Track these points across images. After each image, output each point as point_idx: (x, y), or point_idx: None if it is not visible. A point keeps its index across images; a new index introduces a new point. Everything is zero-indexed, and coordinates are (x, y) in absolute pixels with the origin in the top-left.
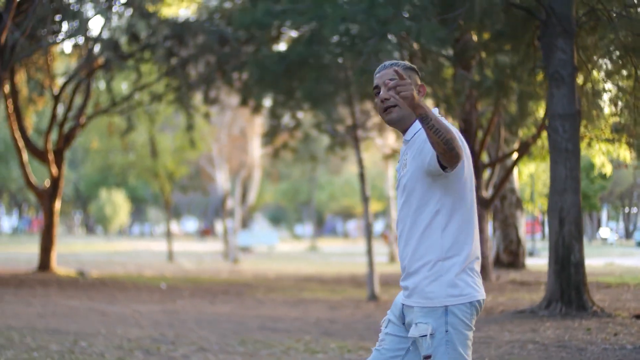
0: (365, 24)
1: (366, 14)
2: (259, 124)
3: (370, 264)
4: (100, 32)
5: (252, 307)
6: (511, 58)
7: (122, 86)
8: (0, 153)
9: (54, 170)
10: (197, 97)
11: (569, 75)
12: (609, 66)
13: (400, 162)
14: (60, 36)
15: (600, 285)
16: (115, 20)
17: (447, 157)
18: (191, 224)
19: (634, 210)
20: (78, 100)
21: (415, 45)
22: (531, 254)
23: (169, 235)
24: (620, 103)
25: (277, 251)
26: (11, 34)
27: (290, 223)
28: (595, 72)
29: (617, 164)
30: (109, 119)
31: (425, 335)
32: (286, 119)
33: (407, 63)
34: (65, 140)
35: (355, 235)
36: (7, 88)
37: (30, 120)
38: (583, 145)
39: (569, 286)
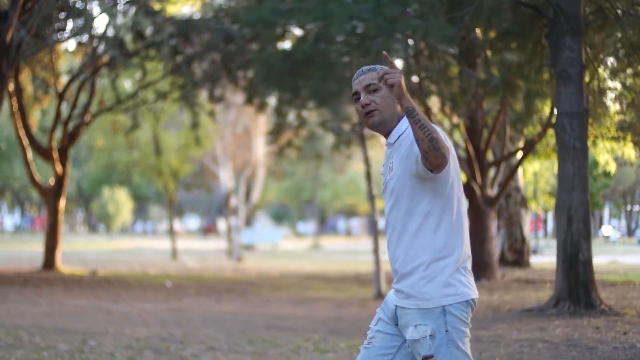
0: (373, 22)
1: (373, 13)
2: (263, 122)
3: (377, 262)
4: (105, 30)
5: (258, 306)
6: (518, 56)
7: (127, 84)
8: (3, 151)
9: (59, 168)
10: (202, 95)
11: (577, 74)
12: (615, 64)
13: (385, 166)
14: (65, 34)
15: (605, 283)
16: (120, 18)
17: (432, 157)
18: (193, 222)
19: (636, 208)
20: (83, 98)
21: (422, 44)
22: (535, 252)
23: (172, 233)
24: (625, 101)
25: (280, 249)
26: (17, 32)
27: (293, 221)
28: (600, 70)
29: (622, 162)
30: (113, 117)
31: (425, 337)
32: (291, 117)
33: (385, 68)
34: (70, 138)
35: (358, 232)
36: (11, 86)
37: (35, 119)
38: (588, 143)
39: (577, 284)
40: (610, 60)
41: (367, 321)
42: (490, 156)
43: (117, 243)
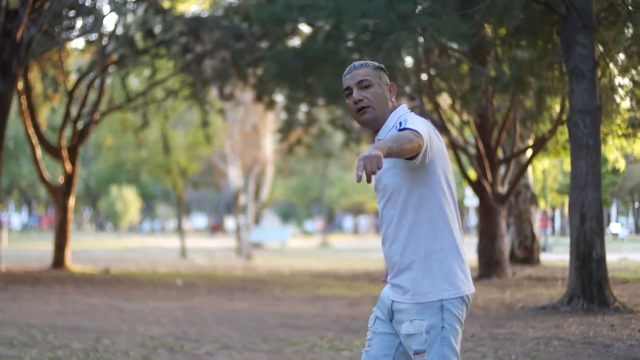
0: (385, 19)
1: (385, 9)
2: (272, 120)
3: None
4: (115, 28)
5: (270, 304)
6: (529, 53)
7: (135, 83)
8: (11, 150)
9: (68, 166)
10: (212, 93)
11: (590, 71)
12: (626, 61)
13: None
14: (75, 32)
15: (616, 280)
16: (129, 17)
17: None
18: (200, 221)
19: None
20: (92, 96)
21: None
22: (544, 249)
23: (181, 231)
24: (635, 98)
25: (288, 247)
26: (27, 30)
27: (300, 219)
28: (611, 67)
29: (633, 159)
30: (122, 116)
31: (421, 332)
32: (301, 115)
33: (375, 63)
34: (79, 136)
35: (364, 230)
36: (20, 84)
37: (44, 117)
38: None
39: (590, 282)
40: (621, 57)
41: None
42: (500, 153)
43: (125, 241)
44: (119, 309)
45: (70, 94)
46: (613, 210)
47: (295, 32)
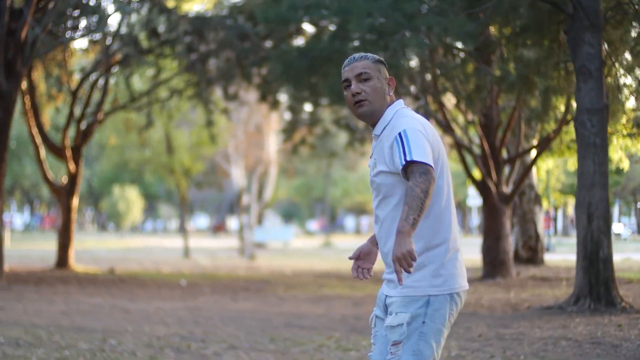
0: (391, 18)
1: (392, 8)
2: (276, 120)
3: None
4: (118, 28)
5: (275, 304)
6: (536, 52)
7: (139, 83)
8: (13, 150)
9: (72, 166)
10: (216, 93)
11: (597, 70)
12: (631, 60)
13: (371, 158)
14: (80, 32)
15: (621, 281)
16: (134, 16)
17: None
18: (202, 221)
19: None
20: (96, 96)
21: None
22: (547, 249)
23: (184, 231)
24: None
25: (291, 247)
26: (31, 29)
27: (303, 219)
28: (616, 67)
29: (637, 159)
30: (125, 116)
31: (403, 324)
32: (305, 115)
33: (375, 56)
34: (83, 136)
35: (366, 230)
36: (24, 84)
37: (47, 117)
38: None
39: (597, 282)
40: (627, 56)
41: None
42: (504, 153)
43: (128, 241)
44: (123, 309)
45: (74, 94)
46: (615, 211)
47: (299, 31)
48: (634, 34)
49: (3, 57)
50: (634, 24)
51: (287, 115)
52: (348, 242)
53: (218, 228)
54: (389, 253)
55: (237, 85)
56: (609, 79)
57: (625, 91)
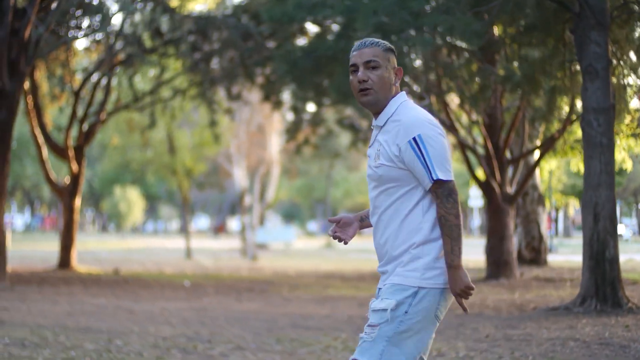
0: (397, 16)
1: (398, 6)
2: (278, 120)
3: None
4: (121, 27)
5: (280, 305)
6: (541, 52)
7: (142, 83)
8: (14, 150)
9: (74, 167)
10: (219, 93)
11: (603, 69)
12: (635, 60)
13: (372, 148)
14: (83, 31)
15: (626, 281)
16: (137, 15)
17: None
18: (203, 221)
19: None
20: (98, 96)
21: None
22: (549, 250)
23: (187, 232)
24: None
25: (293, 248)
26: (35, 29)
27: (304, 220)
28: (621, 66)
29: None
30: (128, 116)
31: (385, 310)
32: (308, 115)
33: (387, 44)
34: (86, 136)
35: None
36: (26, 84)
37: (50, 117)
38: None
39: (603, 282)
40: (632, 56)
41: None
42: (507, 154)
43: (129, 242)
44: (128, 310)
45: (76, 94)
46: (617, 211)
47: (302, 31)
48: (639, 33)
49: (6, 56)
50: None
51: (290, 116)
52: (350, 243)
53: (219, 229)
54: (385, 244)
55: (241, 85)
56: (613, 79)
57: (629, 91)
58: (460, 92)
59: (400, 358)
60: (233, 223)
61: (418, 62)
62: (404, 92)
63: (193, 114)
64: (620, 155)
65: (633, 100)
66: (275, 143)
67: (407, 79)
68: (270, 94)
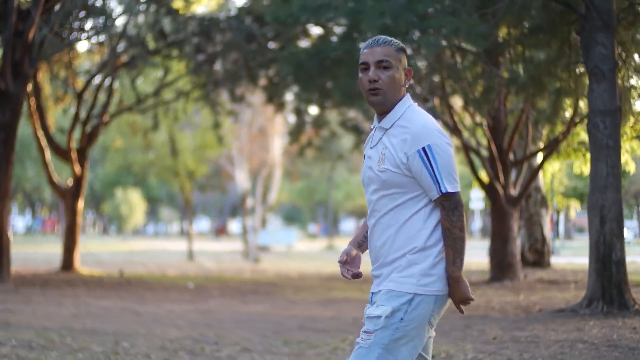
0: (404, 18)
1: (404, 8)
2: (280, 122)
3: None
4: (125, 29)
5: (285, 307)
6: (547, 53)
7: (144, 85)
8: (16, 152)
9: (77, 169)
10: (222, 95)
11: (610, 70)
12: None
13: (375, 149)
14: (88, 33)
15: (631, 283)
16: (141, 17)
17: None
18: (203, 224)
19: None
20: (101, 98)
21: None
22: (552, 252)
23: (189, 234)
24: None
25: (294, 250)
26: (39, 30)
27: (305, 222)
28: (626, 68)
29: None
30: (130, 118)
31: (380, 317)
32: (311, 117)
33: (399, 43)
34: (89, 138)
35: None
36: (29, 86)
37: (53, 119)
38: None
39: (610, 285)
40: (637, 58)
41: None
42: (511, 156)
43: (130, 244)
44: (133, 312)
45: (79, 96)
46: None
47: (305, 33)
48: None
49: (10, 58)
50: None
51: (292, 118)
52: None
53: (220, 231)
54: (382, 247)
55: (244, 87)
56: (619, 81)
57: (634, 93)
58: (465, 94)
59: None
60: (234, 225)
61: (422, 64)
62: (409, 95)
63: (195, 116)
64: (623, 158)
65: (637, 102)
66: (277, 145)
67: (410, 80)
68: (274, 96)
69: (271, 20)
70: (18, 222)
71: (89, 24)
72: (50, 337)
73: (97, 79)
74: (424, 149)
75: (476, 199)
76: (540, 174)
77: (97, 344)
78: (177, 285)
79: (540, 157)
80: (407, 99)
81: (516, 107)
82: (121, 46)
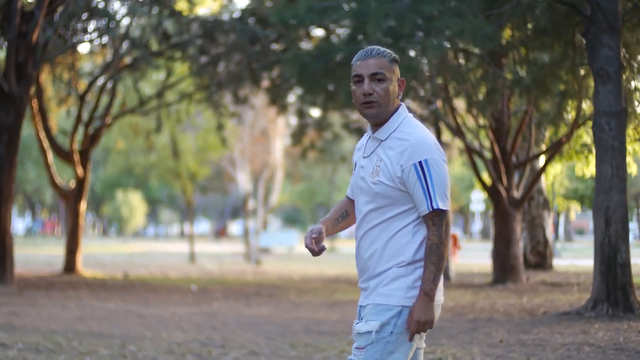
0: (409, 20)
1: (409, 10)
2: (282, 124)
3: None
4: (127, 31)
5: (290, 310)
6: (551, 55)
7: (147, 87)
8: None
9: (80, 171)
10: (225, 97)
11: (615, 72)
12: None
13: (369, 159)
14: (92, 35)
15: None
16: (144, 19)
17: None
18: (203, 225)
19: None
20: (104, 100)
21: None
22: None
23: (190, 236)
24: None
25: (295, 252)
26: (43, 32)
27: (305, 224)
28: (630, 70)
29: None
30: (132, 119)
31: (370, 332)
32: (312, 119)
33: (392, 53)
34: (91, 140)
35: None
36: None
37: (55, 120)
38: None
39: (615, 287)
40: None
41: None
42: (513, 158)
43: (131, 246)
44: (138, 315)
45: (82, 98)
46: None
47: (308, 35)
48: None
49: (14, 59)
50: None
51: (294, 120)
52: (353, 248)
53: (220, 233)
54: (369, 259)
55: (248, 88)
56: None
57: (637, 95)
58: (468, 97)
59: None
60: (234, 227)
61: (426, 66)
62: (404, 105)
63: (197, 118)
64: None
65: None
66: (279, 147)
67: (414, 83)
68: (277, 98)
69: (276, 21)
70: (18, 223)
71: (92, 26)
72: (56, 340)
73: (99, 81)
74: (420, 163)
75: (476, 201)
76: (543, 176)
77: (104, 347)
78: (180, 288)
79: (543, 159)
80: (403, 110)
81: (519, 109)
82: (124, 48)
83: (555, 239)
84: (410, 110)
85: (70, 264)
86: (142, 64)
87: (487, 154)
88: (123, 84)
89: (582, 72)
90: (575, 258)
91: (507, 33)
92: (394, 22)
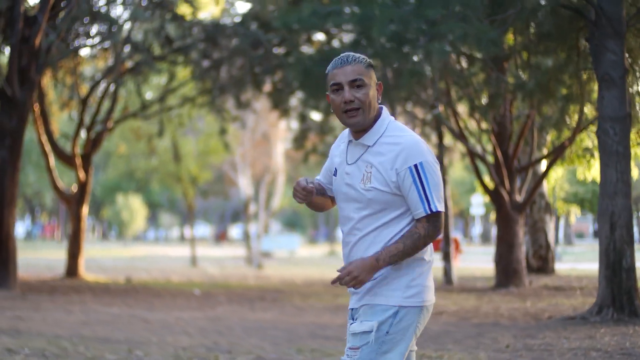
0: (414, 25)
1: (414, 15)
2: (283, 127)
3: None
4: (130, 35)
5: (294, 314)
6: (555, 60)
7: (148, 91)
8: None
9: (82, 175)
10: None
11: (620, 77)
12: None
13: (355, 165)
14: (95, 39)
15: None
16: (147, 23)
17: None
18: (203, 229)
19: None
20: (106, 104)
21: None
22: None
23: (192, 240)
24: None
25: (297, 256)
26: (46, 36)
27: (305, 228)
28: (633, 74)
29: None
30: (134, 124)
31: (367, 332)
32: (313, 123)
33: (366, 59)
34: (93, 144)
35: None
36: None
37: (57, 124)
38: None
39: (620, 292)
40: None
41: None
42: (515, 162)
43: (132, 250)
44: (143, 319)
45: (84, 102)
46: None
47: (310, 40)
48: None
49: (17, 64)
50: None
51: (296, 124)
52: None
53: (221, 236)
54: None
55: (251, 93)
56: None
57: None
58: (471, 101)
59: None
60: (234, 231)
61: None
62: (385, 108)
63: (198, 122)
64: None
65: None
66: (280, 151)
67: (417, 87)
68: (279, 102)
69: (280, 26)
70: (18, 227)
71: (94, 30)
72: (62, 346)
73: (102, 85)
74: (415, 166)
75: (477, 205)
76: (545, 180)
77: (110, 352)
78: (183, 292)
79: (545, 163)
80: (386, 114)
81: (522, 113)
82: (126, 52)
83: (556, 243)
84: (409, 113)
85: (72, 268)
86: (144, 68)
87: (490, 158)
88: (125, 88)
89: (585, 76)
90: (576, 262)
91: (509, 38)
92: (398, 27)
